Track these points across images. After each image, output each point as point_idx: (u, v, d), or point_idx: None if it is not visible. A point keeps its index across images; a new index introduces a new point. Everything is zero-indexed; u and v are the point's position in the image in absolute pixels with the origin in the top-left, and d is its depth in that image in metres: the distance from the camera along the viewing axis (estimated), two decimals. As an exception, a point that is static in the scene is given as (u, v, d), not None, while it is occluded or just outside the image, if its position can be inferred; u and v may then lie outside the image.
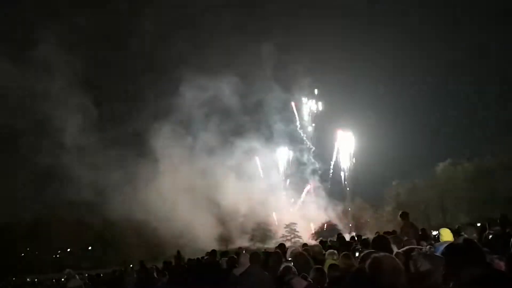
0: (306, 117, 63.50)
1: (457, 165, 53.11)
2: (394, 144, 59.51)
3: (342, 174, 61.35)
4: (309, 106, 63.13)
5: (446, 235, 6.47)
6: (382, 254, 3.22)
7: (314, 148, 62.66)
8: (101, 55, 60.84)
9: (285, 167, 61.28)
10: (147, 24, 57.76)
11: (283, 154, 61.83)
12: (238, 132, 58.86)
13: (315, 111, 62.94)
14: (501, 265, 3.87)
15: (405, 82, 72.30)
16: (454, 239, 6.33)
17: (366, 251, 4.51)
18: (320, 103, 62.75)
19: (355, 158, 60.61)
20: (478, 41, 65.88)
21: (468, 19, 69.77)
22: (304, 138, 62.98)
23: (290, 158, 61.96)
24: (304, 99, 63.13)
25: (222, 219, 54.74)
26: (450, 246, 3.04)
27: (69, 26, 56.22)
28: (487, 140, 59.24)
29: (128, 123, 54.21)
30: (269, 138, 61.30)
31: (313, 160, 62.45)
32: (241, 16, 66.20)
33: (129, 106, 62.69)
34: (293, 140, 63.02)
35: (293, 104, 63.07)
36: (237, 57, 57.58)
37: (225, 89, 56.38)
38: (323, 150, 63.08)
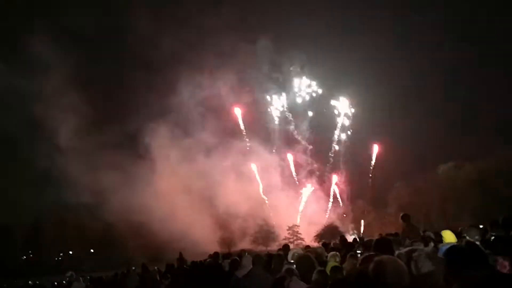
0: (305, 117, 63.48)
1: (460, 167, 53.00)
2: (396, 146, 59.39)
3: (343, 174, 61.34)
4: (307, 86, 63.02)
5: (448, 237, 6.47)
6: (385, 257, 3.22)
7: (311, 147, 62.36)
8: (98, 56, 60.98)
9: (285, 168, 61.04)
10: (142, 24, 57.75)
11: (281, 154, 61.65)
12: (235, 131, 58.97)
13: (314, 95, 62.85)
14: (505, 264, 3.86)
15: (405, 84, 72.22)
16: (457, 241, 6.33)
17: (367, 253, 4.51)
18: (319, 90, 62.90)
19: (357, 161, 60.70)
20: (480, 41, 65.91)
21: (470, 18, 69.78)
22: (300, 138, 62.73)
23: (290, 158, 61.86)
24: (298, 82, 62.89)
25: (223, 221, 54.61)
26: (452, 247, 3.05)
27: (64, 27, 56.52)
28: (490, 142, 59.12)
29: (127, 124, 54.19)
30: (266, 138, 61.30)
31: (310, 160, 62.14)
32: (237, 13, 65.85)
33: (126, 107, 62.82)
34: (291, 141, 62.93)
35: (286, 103, 63.17)
36: (232, 55, 57.38)
37: (222, 87, 56.49)
38: (321, 147, 62.93)
